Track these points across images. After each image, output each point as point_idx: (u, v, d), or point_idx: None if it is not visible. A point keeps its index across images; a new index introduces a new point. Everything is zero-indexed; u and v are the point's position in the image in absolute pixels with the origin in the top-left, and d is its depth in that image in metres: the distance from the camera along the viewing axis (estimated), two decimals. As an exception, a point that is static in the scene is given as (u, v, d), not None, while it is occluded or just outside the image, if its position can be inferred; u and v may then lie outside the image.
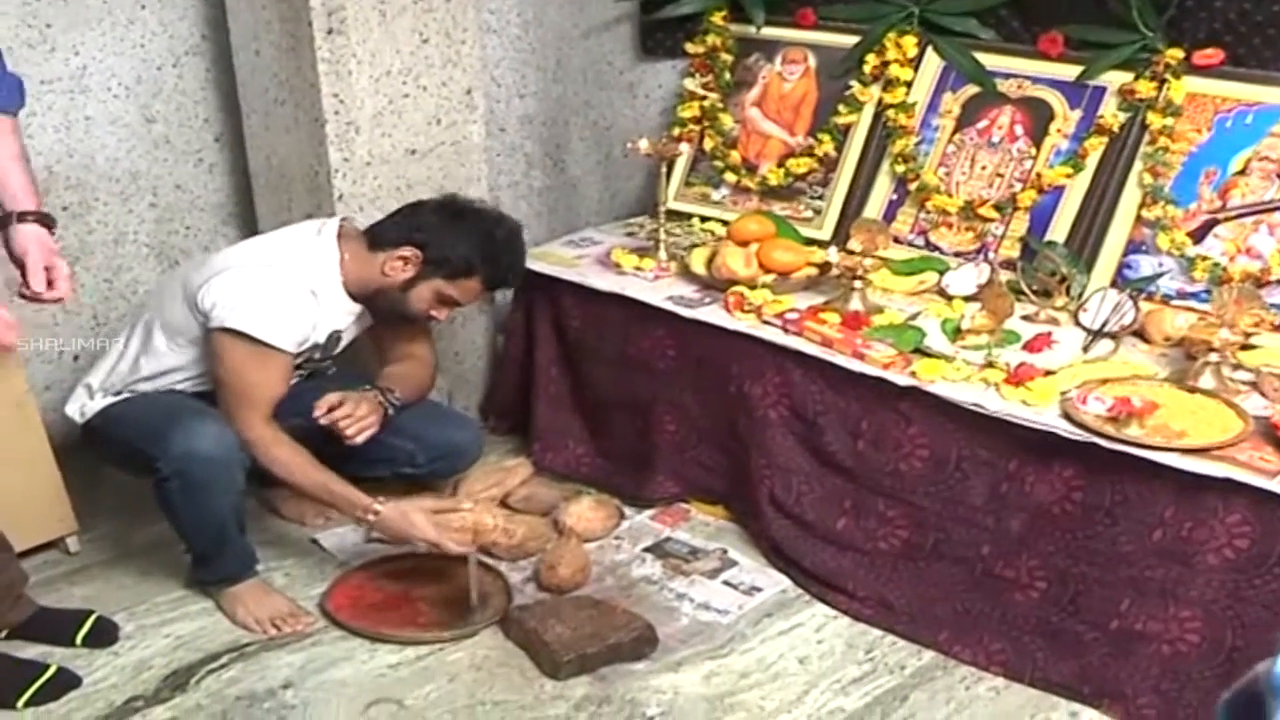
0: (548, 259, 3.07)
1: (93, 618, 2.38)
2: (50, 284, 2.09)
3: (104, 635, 2.37)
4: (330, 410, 2.42)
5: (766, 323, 2.64)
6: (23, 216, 2.08)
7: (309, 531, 2.75)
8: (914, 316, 2.64)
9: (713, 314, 2.72)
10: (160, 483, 2.30)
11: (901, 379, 2.40)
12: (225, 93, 3.08)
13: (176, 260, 3.13)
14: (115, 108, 2.96)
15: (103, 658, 2.33)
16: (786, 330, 2.60)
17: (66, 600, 2.49)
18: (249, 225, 3.17)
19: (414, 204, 2.59)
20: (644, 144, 2.96)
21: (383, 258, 2.45)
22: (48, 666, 2.24)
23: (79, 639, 2.35)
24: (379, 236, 2.48)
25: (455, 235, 2.45)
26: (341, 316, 2.50)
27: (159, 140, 3.05)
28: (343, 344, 2.59)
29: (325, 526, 2.76)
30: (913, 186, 2.99)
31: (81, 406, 2.52)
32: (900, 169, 3.01)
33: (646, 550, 2.70)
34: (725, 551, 2.68)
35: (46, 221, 2.12)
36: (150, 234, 3.10)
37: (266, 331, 2.32)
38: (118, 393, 2.49)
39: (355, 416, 2.43)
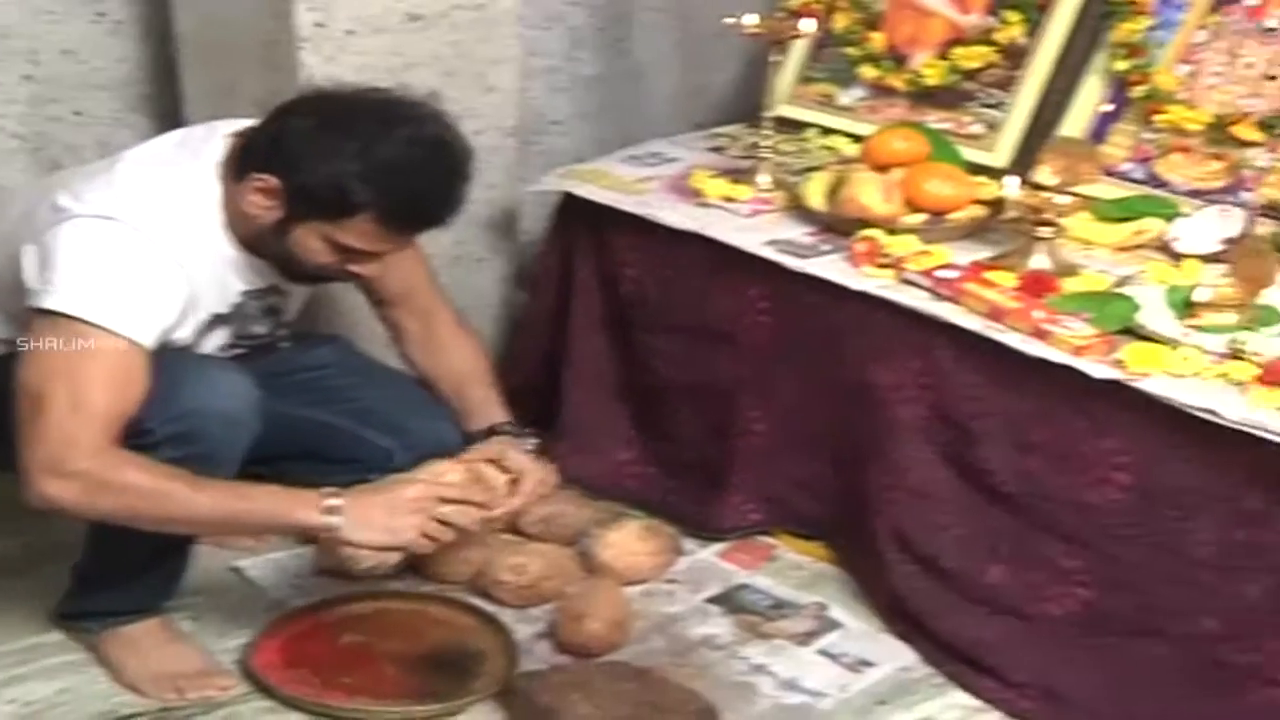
0: (598, 180, 3.18)
1: None
2: None
3: None
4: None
5: (908, 282, 2.71)
6: None
7: (228, 556, 2.86)
8: (1124, 281, 2.70)
9: (831, 267, 2.79)
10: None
11: (1101, 369, 2.44)
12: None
13: (59, 161, 3.26)
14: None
15: (-92, 736, 2.43)
16: (937, 294, 2.66)
17: None
18: (168, 114, 3.28)
19: (286, 103, 2.50)
20: (749, 19, 3.05)
21: (244, 188, 2.42)
22: None
23: None
24: (242, 155, 2.44)
25: (320, 150, 2.36)
26: (249, 276, 2.54)
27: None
28: (294, 308, 2.71)
29: (253, 548, 2.89)
30: (1137, 92, 3.03)
31: None
32: (1121, 66, 3.05)
33: (712, 601, 2.79)
34: (824, 607, 2.76)
35: None
36: (22, 119, 3.24)
37: (105, 312, 2.29)
38: None
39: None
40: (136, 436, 2.29)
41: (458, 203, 2.49)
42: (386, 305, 2.85)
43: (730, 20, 3.09)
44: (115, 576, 2.53)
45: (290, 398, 2.69)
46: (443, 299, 2.89)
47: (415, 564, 2.78)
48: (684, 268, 3.00)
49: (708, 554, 2.93)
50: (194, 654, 2.56)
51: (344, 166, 2.34)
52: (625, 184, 3.17)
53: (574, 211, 3.18)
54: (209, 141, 2.47)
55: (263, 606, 2.72)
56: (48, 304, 2.28)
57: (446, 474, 2.51)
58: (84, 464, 2.23)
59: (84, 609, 2.58)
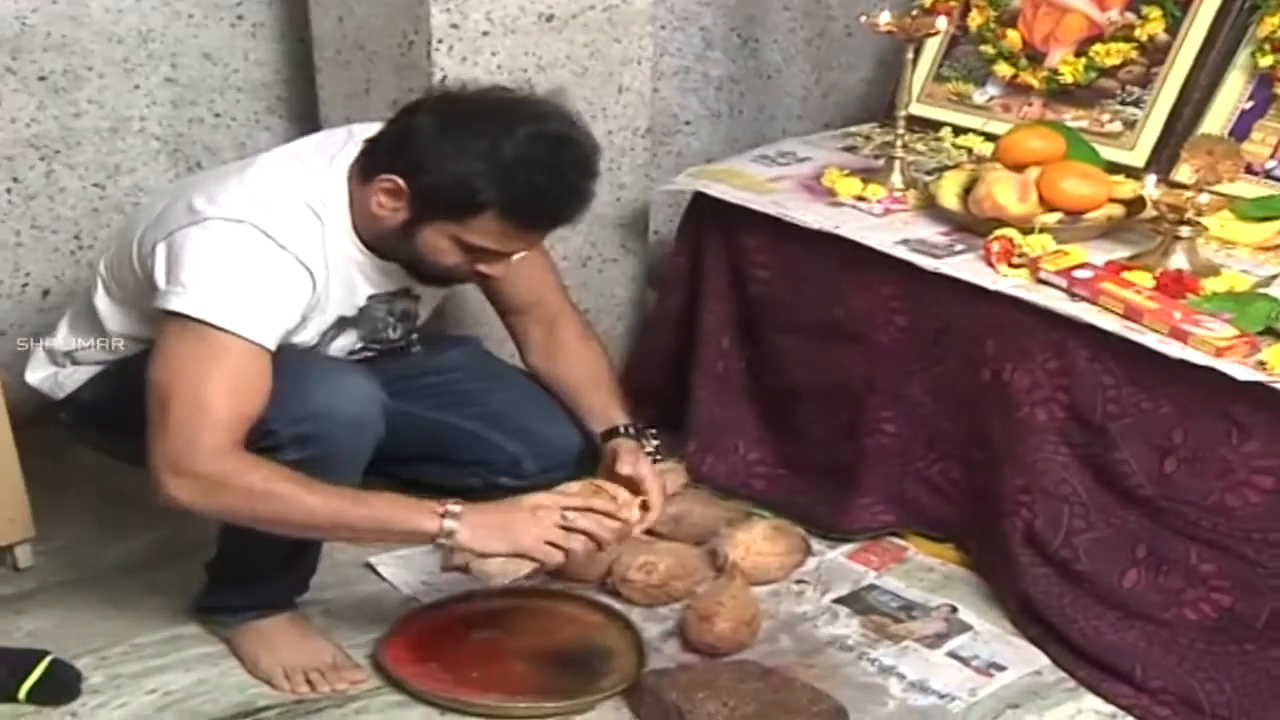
0: (729, 180, 3.19)
1: (45, 662, 2.51)
2: None
3: (60, 687, 2.50)
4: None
5: (1044, 282, 2.69)
6: None
7: (361, 552, 2.88)
8: (1267, 281, 2.67)
9: (966, 267, 2.79)
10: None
11: (1242, 371, 2.41)
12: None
13: (199, 161, 3.34)
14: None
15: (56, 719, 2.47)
16: (1073, 294, 2.65)
17: (10, 636, 2.65)
18: (306, 115, 3.38)
19: (409, 105, 2.53)
20: (884, 17, 3.05)
21: (370, 190, 2.43)
22: (-27, 731, 2.38)
23: (24, 691, 2.47)
24: (368, 157, 2.47)
25: (445, 149, 2.37)
26: (377, 279, 2.57)
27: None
28: (425, 313, 2.74)
29: (387, 546, 2.89)
30: (1282, 88, 3.00)
31: (54, 377, 2.66)
32: (1266, 61, 3.02)
33: (841, 602, 2.80)
34: (954, 610, 2.76)
35: None
36: (163, 121, 3.31)
37: (230, 315, 2.31)
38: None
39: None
40: (261, 438, 2.32)
41: (584, 200, 2.46)
42: (513, 313, 2.88)
43: (864, 18, 3.09)
44: (247, 574, 2.57)
45: (420, 400, 2.74)
46: (569, 307, 2.91)
47: (546, 563, 2.83)
48: (815, 267, 3.01)
49: (836, 554, 2.94)
50: (326, 648, 2.59)
51: (468, 165, 2.34)
52: (757, 183, 3.18)
53: (705, 211, 3.19)
54: (345, 146, 2.50)
55: (394, 602, 2.76)
56: (173, 305, 2.31)
57: (569, 487, 2.54)
58: (203, 466, 2.25)
59: (219, 604, 2.63)
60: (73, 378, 2.64)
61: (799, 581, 2.84)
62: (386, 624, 2.66)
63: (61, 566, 2.88)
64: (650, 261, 3.43)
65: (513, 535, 2.36)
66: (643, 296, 3.44)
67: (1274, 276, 2.68)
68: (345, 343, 2.60)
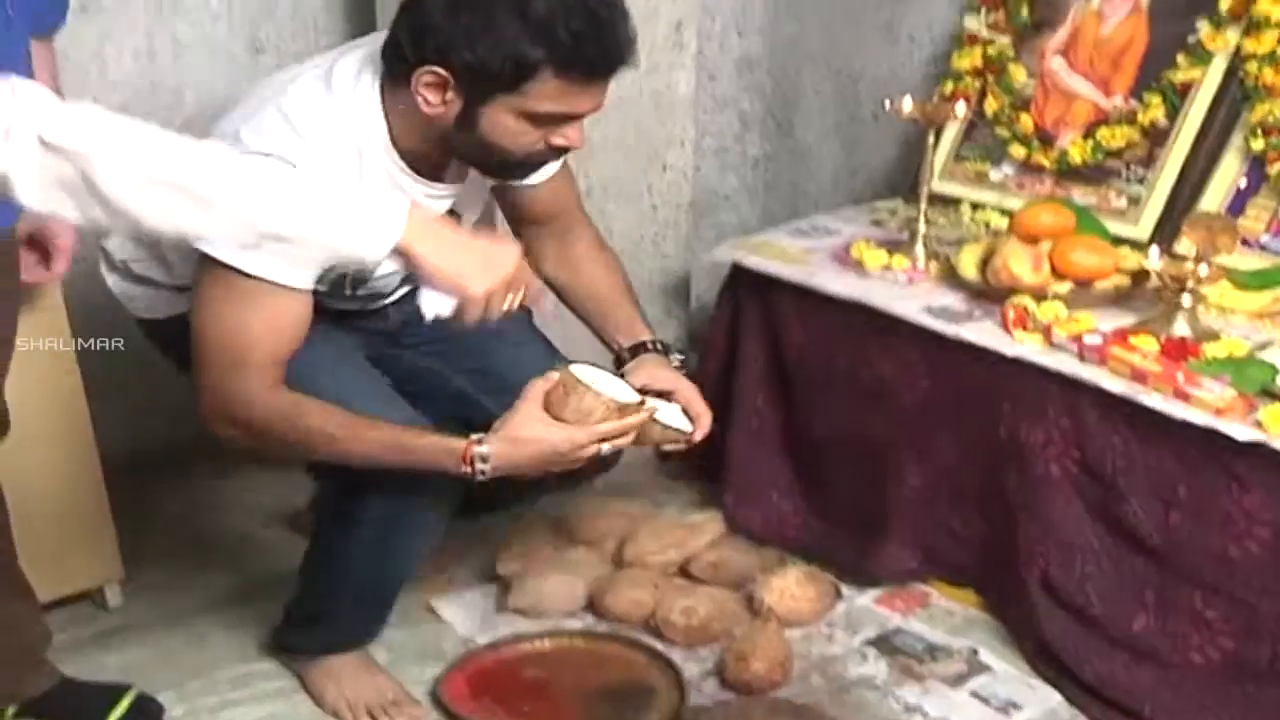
0: (764, 251, 3.18)
1: (130, 695, 2.52)
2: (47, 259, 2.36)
3: (144, 718, 2.52)
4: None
5: (1056, 346, 2.68)
6: None
7: (423, 594, 2.88)
8: (1263, 347, 2.64)
9: (984, 332, 2.77)
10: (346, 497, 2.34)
11: (1241, 430, 2.39)
12: (357, 18, 3.28)
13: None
14: (214, 31, 3.20)
15: (138, 749, 2.48)
16: (1083, 358, 2.63)
17: (99, 670, 2.65)
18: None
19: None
20: (908, 104, 3.04)
21: (410, 93, 2.17)
22: (66, 757, 2.39)
23: None
24: (391, 62, 2.21)
25: (472, 24, 2.10)
26: (423, 201, 2.30)
27: (268, 75, 3.25)
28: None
29: (446, 588, 2.92)
30: (1274, 169, 2.95)
31: (126, 292, 2.52)
32: (1258, 145, 2.97)
33: (869, 644, 2.78)
34: (975, 652, 2.74)
35: None
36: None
37: (263, 262, 2.12)
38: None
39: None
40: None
41: (625, 36, 2.18)
42: (533, 224, 2.66)
43: (889, 105, 3.09)
44: (323, 614, 2.56)
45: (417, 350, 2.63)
46: (585, 219, 2.72)
47: (593, 605, 2.84)
48: (845, 332, 2.99)
49: (865, 599, 2.92)
50: (389, 684, 2.59)
51: (503, 32, 2.08)
52: (790, 255, 3.17)
53: (742, 280, 3.19)
54: (362, 69, 2.25)
55: (452, 642, 2.76)
56: (208, 250, 2.12)
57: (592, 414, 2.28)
58: (246, 413, 2.18)
59: (294, 641, 2.63)
60: (143, 299, 2.50)
61: (829, 624, 2.83)
62: (444, 662, 2.67)
63: (147, 606, 2.89)
64: (691, 326, 3.43)
65: (545, 462, 2.23)
66: (685, 360, 3.39)
67: (1270, 342, 2.66)
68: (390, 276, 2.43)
